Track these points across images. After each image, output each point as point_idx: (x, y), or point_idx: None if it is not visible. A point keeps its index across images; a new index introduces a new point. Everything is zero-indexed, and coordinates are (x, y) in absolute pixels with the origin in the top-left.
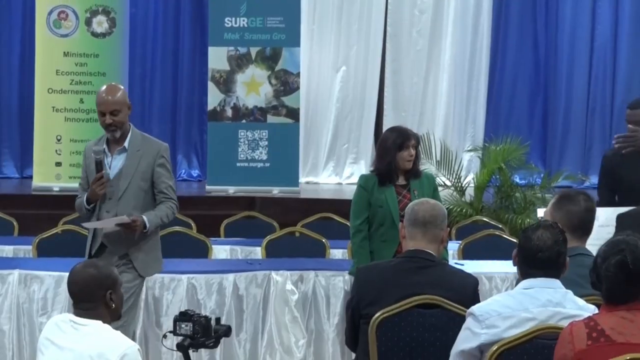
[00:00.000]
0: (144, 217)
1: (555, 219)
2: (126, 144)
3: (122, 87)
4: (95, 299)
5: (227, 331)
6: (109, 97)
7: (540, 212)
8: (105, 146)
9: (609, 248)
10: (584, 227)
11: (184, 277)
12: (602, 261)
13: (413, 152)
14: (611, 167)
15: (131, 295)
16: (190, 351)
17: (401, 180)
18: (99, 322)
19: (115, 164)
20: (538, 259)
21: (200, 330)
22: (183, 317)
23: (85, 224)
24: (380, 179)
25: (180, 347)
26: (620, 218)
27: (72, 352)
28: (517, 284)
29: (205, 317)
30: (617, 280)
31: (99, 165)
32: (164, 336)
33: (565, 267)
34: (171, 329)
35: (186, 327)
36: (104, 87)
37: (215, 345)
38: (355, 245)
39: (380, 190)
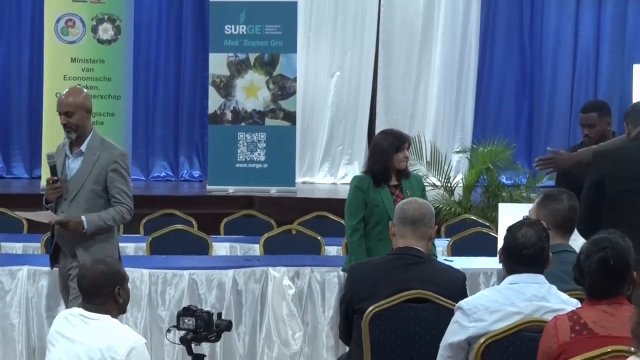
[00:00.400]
0: (83, 218)
1: (540, 217)
2: (83, 147)
3: (83, 92)
4: (104, 294)
5: (228, 326)
6: (64, 99)
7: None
8: (67, 148)
9: (592, 246)
10: (568, 224)
11: (186, 272)
12: (585, 258)
13: (407, 154)
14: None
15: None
16: (193, 345)
17: (393, 181)
18: (108, 317)
19: (72, 166)
20: (523, 256)
21: (203, 324)
22: (186, 312)
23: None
24: (375, 180)
25: (183, 340)
26: (596, 156)
27: (82, 345)
28: (502, 279)
29: (208, 312)
30: (599, 276)
31: (53, 170)
32: (168, 330)
33: (548, 262)
34: (173, 322)
35: (189, 322)
36: (67, 89)
37: (217, 339)
38: (354, 243)
39: (375, 190)
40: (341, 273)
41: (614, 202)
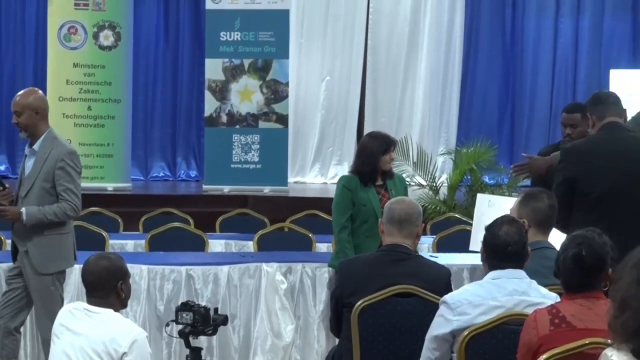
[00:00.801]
0: (23, 209)
1: (521, 215)
2: (36, 146)
3: (35, 94)
4: (107, 288)
5: (224, 320)
6: (15, 99)
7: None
8: (27, 147)
9: (568, 242)
10: (548, 222)
11: (183, 268)
12: (562, 253)
13: (393, 156)
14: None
15: (36, 293)
16: (190, 338)
17: (379, 181)
18: (111, 311)
19: (28, 164)
20: (508, 253)
21: (200, 319)
22: (184, 307)
23: None
24: (362, 180)
25: (181, 334)
26: (566, 154)
27: (86, 338)
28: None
29: (205, 307)
30: (573, 271)
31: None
32: (167, 324)
33: (528, 256)
34: (171, 316)
35: (187, 317)
36: (22, 90)
37: (214, 333)
38: (343, 240)
39: (363, 190)
40: (331, 268)
41: (593, 202)
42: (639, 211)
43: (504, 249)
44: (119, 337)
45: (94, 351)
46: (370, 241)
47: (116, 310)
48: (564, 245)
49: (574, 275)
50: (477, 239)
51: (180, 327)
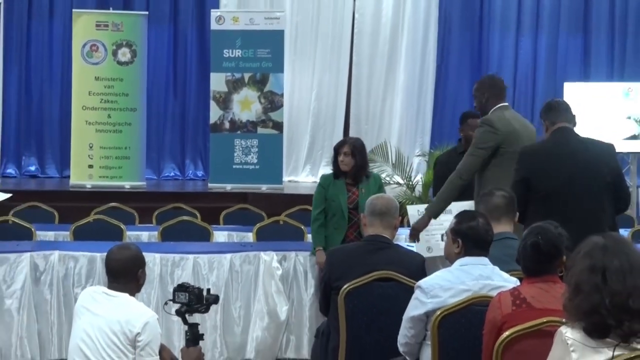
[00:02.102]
0: None
1: (483, 210)
2: None
3: None
4: (130, 274)
5: (215, 299)
6: None
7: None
8: None
9: (528, 232)
10: (505, 214)
11: (191, 256)
12: (522, 242)
13: (344, 157)
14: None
15: None
16: (187, 315)
17: (350, 180)
18: (127, 295)
19: None
20: (487, 241)
21: (194, 299)
22: (180, 288)
23: None
24: (334, 177)
25: (178, 312)
26: (522, 155)
27: (104, 318)
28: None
29: (199, 288)
30: (532, 258)
31: None
32: (165, 303)
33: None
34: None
35: (183, 296)
36: None
37: (206, 310)
38: (314, 231)
39: (334, 187)
40: None
41: (545, 198)
42: (584, 206)
43: (485, 239)
44: (134, 319)
45: (111, 330)
46: (337, 233)
47: (132, 294)
48: (525, 236)
49: (533, 261)
50: (422, 246)
51: (176, 306)
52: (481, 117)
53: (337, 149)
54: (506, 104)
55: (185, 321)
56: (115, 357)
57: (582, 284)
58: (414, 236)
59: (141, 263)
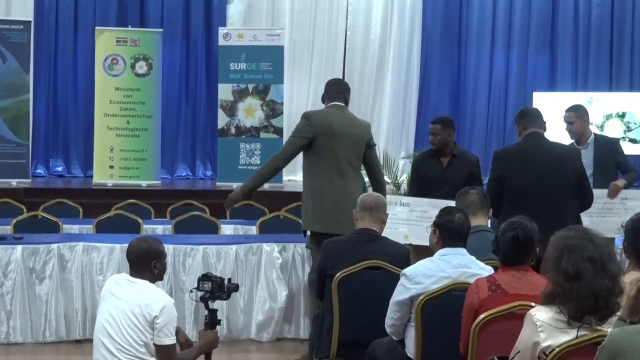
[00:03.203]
0: None
1: (460, 206)
2: None
3: None
4: (143, 265)
5: (236, 287)
6: None
7: None
8: None
9: (507, 226)
10: (482, 209)
11: (201, 247)
12: (501, 235)
13: None
14: (418, 168)
15: None
16: (209, 302)
17: None
18: (147, 282)
19: None
20: (462, 234)
21: (217, 287)
22: (204, 277)
23: None
24: None
25: (202, 299)
26: (496, 156)
27: (126, 302)
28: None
29: (221, 277)
30: (511, 249)
31: None
32: (191, 291)
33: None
34: (192, 285)
35: (206, 285)
36: None
37: (228, 298)
38: None
39: None
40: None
41: (517, 199)
42: (550, 203)
43: (460, 232)
44: (152, 303)
45: (132, 313)
46: None
47: (151, 282)
48: (503, 229)
49: (511, 252)
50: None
51: (201, 293)
52: None
53: None
54: (339, 104)
55: (207, 307)
56: (135, 337)
57: (584, 271)
58: (228, 205)
59: (155, 256)
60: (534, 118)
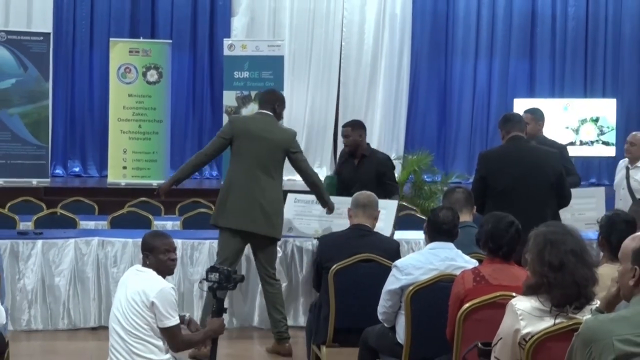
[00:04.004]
0: None
1: (446, 204)
2: None
3: None
4: (143, 255)
5: (241, 279)
6: None
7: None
8: None
9: (501, 221)
10: (467, 206)
11: (207, 241)
12: (499, 229)
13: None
14: (337, 169)
15: None
16: (217, 292)
17: None
18: (151, 271)
19: None
20: (443, 229)
21: (224, 278)
22: (212, 269)
23: None
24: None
25: (211, 289)
26: (481, 158)
27: (131, 290)
28: (425, 246)
29: (228, 269)
30: (515, 241)
31: None
32: (200, 282)
33: (457, 235)
34: (199, 277)
35: (214, 276)
36: None
37: (234, 288)
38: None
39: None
40: (314, 242)
41: (500, 197)
42: (531, 201)
43: (441, 227)
44: (149, 289)
45: (133, 300)
46: None
47: (159, 274)
48: (494, 223)
49: (515, 244)
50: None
51: (209, 284)
52: None
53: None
54: (266, 112)
55: (214, 296)
56: (139, 321)
57: (567, 262)
58: (158, 195)
59: (146, 249)
60: (515, 123)
